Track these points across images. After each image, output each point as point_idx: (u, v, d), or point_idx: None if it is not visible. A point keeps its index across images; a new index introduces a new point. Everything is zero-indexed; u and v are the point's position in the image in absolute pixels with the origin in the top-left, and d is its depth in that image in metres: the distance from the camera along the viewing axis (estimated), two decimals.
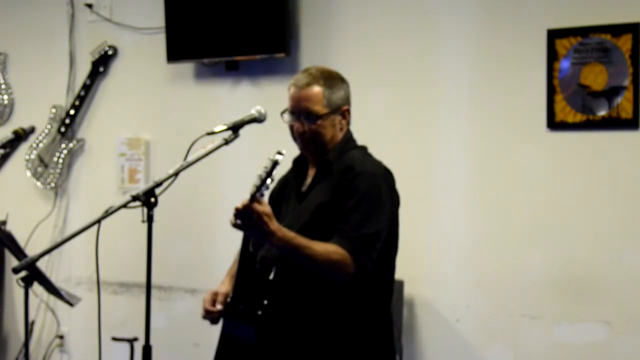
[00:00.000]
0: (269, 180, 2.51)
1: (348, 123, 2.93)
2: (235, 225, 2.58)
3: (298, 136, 2.86)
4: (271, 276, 2.73)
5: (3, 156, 5.24)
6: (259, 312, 2.71)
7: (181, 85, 4.74)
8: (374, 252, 2.72)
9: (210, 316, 2.90)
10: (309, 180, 2.92)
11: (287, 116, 2.89)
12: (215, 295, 2.91)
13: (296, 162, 3.00)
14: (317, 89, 2.83)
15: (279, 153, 2.52)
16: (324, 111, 2.82)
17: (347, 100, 2.90)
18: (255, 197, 2.51)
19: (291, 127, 2.88)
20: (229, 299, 2.87)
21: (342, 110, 2.88)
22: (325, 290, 2.75)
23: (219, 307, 2.87)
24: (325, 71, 2.90)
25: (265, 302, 2.71)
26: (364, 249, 2.68)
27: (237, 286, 2.85)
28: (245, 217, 2.54)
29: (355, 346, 2.78)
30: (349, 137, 2.93)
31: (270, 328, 2.73)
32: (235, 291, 2.85)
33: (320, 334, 2.76)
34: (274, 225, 2.57)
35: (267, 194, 2.81)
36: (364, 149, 2.96)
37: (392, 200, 2.84)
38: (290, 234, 2.60)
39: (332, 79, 2.88)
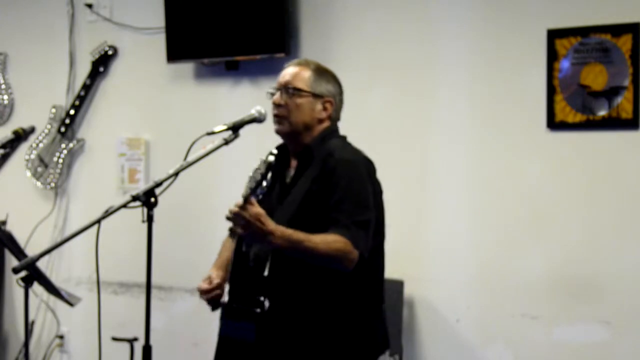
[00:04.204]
0: (264, 183, 2.51)
1: (329, 118, 2.90)
2: (235, 233, 2.59)
3: (274, 107, 2.88)
4: (266, 272, 2.74)
5: (3, 156, 5.24)
6: (258, 310, 2.71)
7: (181, 85, 4.74)
8: (369, 239, 2.73)
9: (210, 295, 2.87)
10: (292, 171, 2.91)
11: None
12: (209, 278, 2.90)
13: (277, 150, 2.94)
14: (305, 72, 2.88)
15: (272, 154, 2.52)
16: (304, 89, 2.85)
17: (332, 95, 2.89)
18: (248, 199, 2.51)
19: (273, 104, 2.90)
20: (224, 300, 2.86)
21: (324, 99, 2.88)
22: (321, 281, 2.75)
23: (216, 281, 2.86)
24: (320, 65, 2.94)
25: (262, 298, 2.71)
26: (361, 236, 2.69)
27: (232, 286, 2.84)
28: (241, 222, 2.54)
29: (350, 335, 2.78)
30: (333, 129, 2.93)
31: (267, 324, 2.72)
32: (230, 292, 2.85)
33: (317, 325, 2.76)
34: (272, 225, 2.56)
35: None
36: (343, 137, 2.96)
37: (373, 187, 2.83)
38: (288, 231, 2.60)
39: (324, 72, 2.91)
